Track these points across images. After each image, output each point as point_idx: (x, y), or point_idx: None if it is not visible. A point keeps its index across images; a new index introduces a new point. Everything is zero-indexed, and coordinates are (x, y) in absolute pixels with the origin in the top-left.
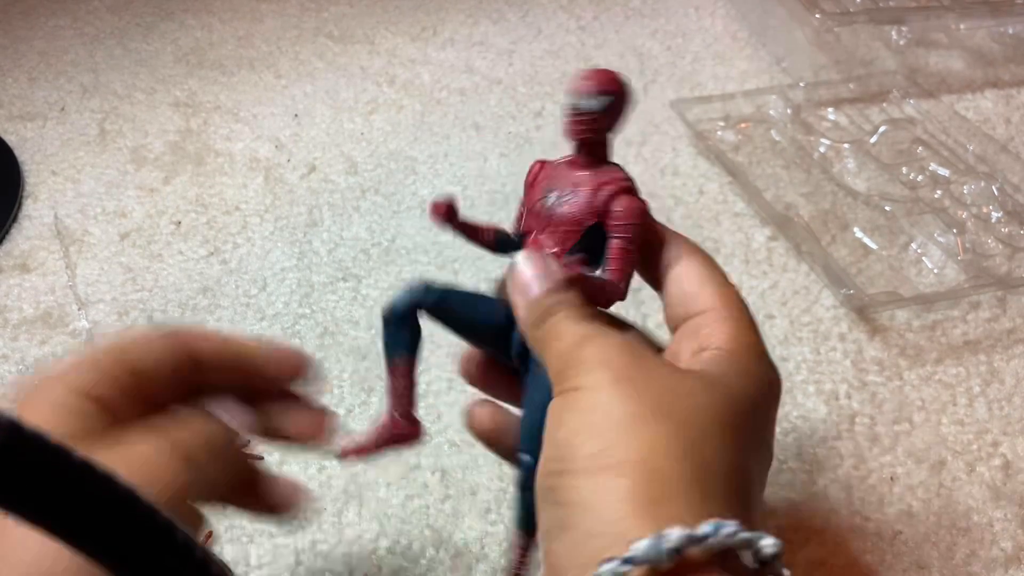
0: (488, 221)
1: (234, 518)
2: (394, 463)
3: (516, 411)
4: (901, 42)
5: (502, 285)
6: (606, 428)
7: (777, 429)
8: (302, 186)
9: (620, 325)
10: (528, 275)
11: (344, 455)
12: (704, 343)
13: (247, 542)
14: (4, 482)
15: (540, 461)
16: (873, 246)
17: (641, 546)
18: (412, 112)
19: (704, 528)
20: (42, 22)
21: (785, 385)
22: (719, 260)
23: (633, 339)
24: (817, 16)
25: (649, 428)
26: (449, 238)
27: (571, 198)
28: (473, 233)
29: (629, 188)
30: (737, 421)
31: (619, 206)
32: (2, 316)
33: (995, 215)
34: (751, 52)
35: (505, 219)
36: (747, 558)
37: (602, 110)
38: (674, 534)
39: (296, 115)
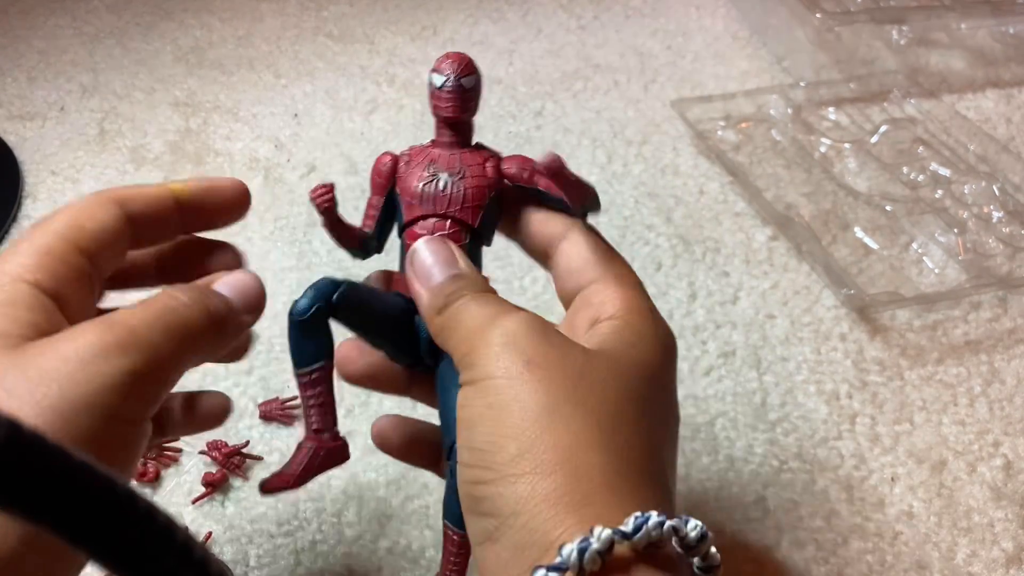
0: (353, 226)
1: (234, 518)
2: (393, 463)
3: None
4: (902, 42)
5: (381, 278)
6: (523, 427)
7: (778, 429)
8: (302, 186)
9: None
10: (429, 262)
11: (268, 489)
12: (598, 313)
13: (247, 542)
14: (3, 482)
15: (459, 469)
16: (874, 246)
17: (568, 551)
18: (412, 112)
19: (630, 523)
20: (42, 21)
21: (785, 385)
22: (719, 260)
23: (537, 319)
24: (818, 15)
25: (566, 422)
26: None
27: (467, 174)
28: (347, 230)
29: (502, 156)
30: (643, 395)
31: (510, 165)
32: None
33: (996, 215)
34: (752, 52)
35: None
36: (674, 544)
37: (477, 88)
38: (601, 534)
39: (296, 115)
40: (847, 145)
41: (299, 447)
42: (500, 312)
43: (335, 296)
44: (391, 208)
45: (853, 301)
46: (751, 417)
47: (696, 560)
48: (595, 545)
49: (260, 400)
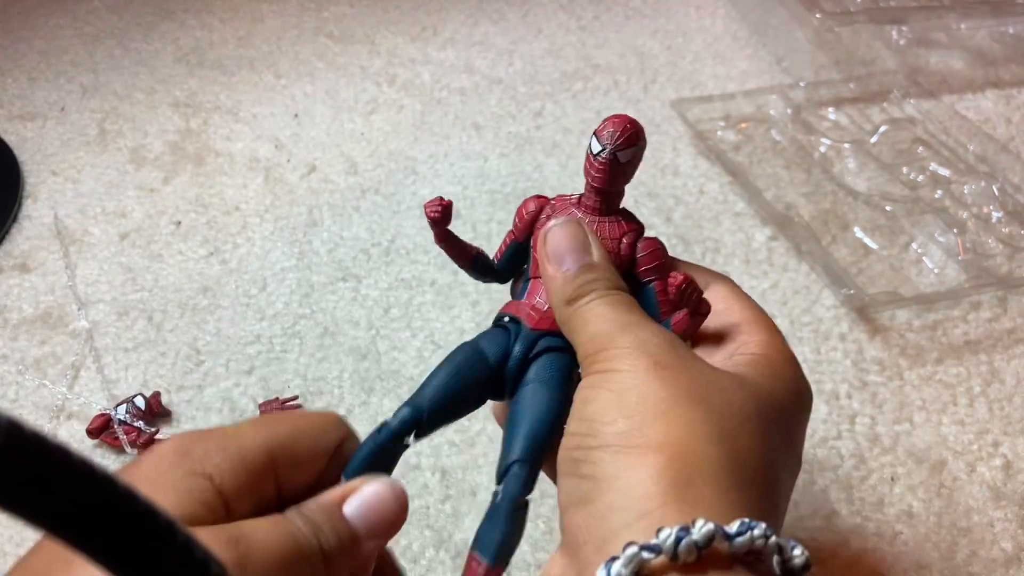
0: (472, 243)
1: None
2: None
3: None
4: (902, 42)
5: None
6: (639, 408)
7: None
8: (302, 186)
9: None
10: (564, 246)
11: None
12: (739, 347)
13: None
14: (4, 482)
15: (564, 438)
16: (873, 246)
17: (666, 535)
18: (412, 112)
19: (735, 526)
20: (42, 22)
21: None
22: (719, 260)
23: (668, 333)
24: (817, 16)
25: (682, 411)
26: None
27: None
28: (457, 245)
29: (643, 232)
30: (769, 420)
31: (643, 251)
32: (2, 316)
33: (995, 215)
34: (751, 52)
35: (505, 219)
36: (773, 563)
37: (634, 160)
38: (703, 527)
39: (296, 115)
40: (847, 145)
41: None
42: (632, 321)
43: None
44: (526, 250)
45: (853, 301)
46: None
47: None
48: (694, 536)
49: (260, 400)
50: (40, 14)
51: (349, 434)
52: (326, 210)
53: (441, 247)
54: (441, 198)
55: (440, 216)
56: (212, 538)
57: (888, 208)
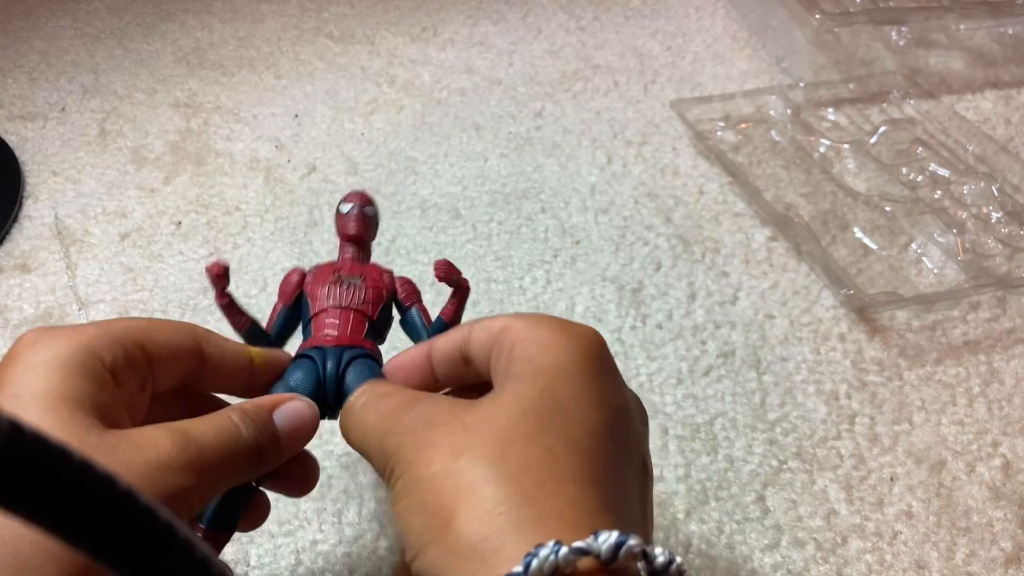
0: (248, 312)
1: None
2: None
3: None
4: (901, 42)
5: None
6: (422, 501)
7: (778, 429)
8: (302, 186)
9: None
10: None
11: None
12: (508, 351)
13: (247, 542)
14: (4, 482)
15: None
16: (873, 246)
17: None
18: (412, 112)
19: (524, 561)
20: (42, 22)
21: (785, 385)
22: (719, 260)
23: (406, 396)
24: (817, 16)
25: (455, 476)
26: (449, 239)
27: (367, 278)
28: (235, 310)
29: (392, 272)
30: (539, 414)
31: (401, 285)
32: (2, 316)
33: (995, 215)
34: (751, 52)
35: (505, 219)
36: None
37: (376, 217)
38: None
39: (296, 115)
40: (846, 146)
41: None
42: (383, 429)
43: None
44: (296, 313)
45: (852, 301)
46: (750, 417)
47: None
48: None
49: None
50: (40, 14)
51: (206, 334)
52: (326, 210)
53: (220, 307)
54: (219, 260)
55: (223, 272)
56: (160, 432)
57: (887, 208)
